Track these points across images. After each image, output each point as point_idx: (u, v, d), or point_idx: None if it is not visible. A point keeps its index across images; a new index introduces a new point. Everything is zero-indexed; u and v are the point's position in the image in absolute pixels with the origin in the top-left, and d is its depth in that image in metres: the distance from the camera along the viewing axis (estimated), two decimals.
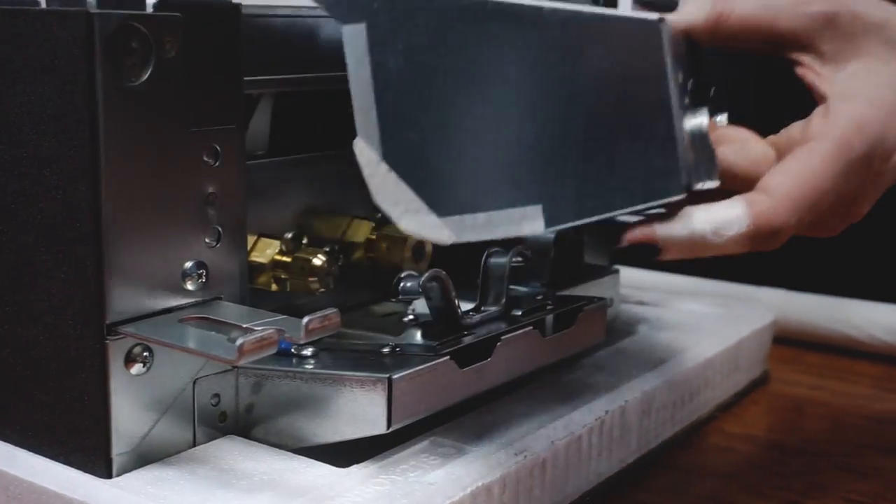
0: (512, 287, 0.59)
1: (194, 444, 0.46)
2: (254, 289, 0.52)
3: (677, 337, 0.62)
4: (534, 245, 0.60)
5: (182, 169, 0.44)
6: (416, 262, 0.56)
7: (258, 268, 0.52)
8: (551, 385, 0.54)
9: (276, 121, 0.59)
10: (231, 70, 0.46)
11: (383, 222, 0.58)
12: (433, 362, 0.45)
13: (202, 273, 0.45)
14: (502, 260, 0.53)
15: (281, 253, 0.52)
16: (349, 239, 0.57)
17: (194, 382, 0.46)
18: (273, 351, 0.40)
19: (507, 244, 0.61)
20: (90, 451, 0.43)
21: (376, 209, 0.58)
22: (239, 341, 0.39)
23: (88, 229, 0.41)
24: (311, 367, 0.46)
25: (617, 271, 0.64)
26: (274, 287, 0.52)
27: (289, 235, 0.54)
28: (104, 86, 0.41)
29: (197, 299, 0.45)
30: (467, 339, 0.48)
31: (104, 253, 0.42)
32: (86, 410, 0.43)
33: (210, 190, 0.45)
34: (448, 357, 0.46)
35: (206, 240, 0.46)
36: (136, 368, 0.43)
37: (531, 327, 0.51)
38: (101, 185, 0.41)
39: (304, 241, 0.55)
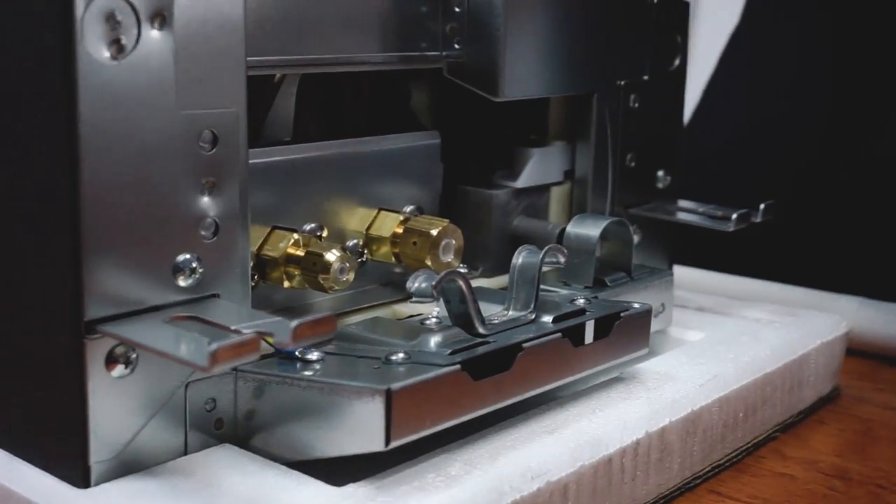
0: (551, 289, 0.54)
1: (186, 453, 0.43)
2: (270, 286, 0.48)
3: (735, 348, 0.57)
4: (576, 243, 0.55)
5: (172, 155, 0.40)
6: (444, 259, 0.52)
7: (271, 262, 0.48)
8: (582, 399, 0.49)
9: (302, 104, 0.55)
10: (232, 48, 0.42)
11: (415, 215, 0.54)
12: (441, 372, 0.41)
13: (195, 268, 0.42)
14: (533, 259, 0.48)
15: (295, 246, 0.48)
16: (374, 233, 0.53)
17: (186, 386, 0.42)
18: (252, 357, 0.36)
19: (541, 242, 0.57)
20: (67, 458, 0.40)
21: (407, 200, 0.56)
22: (212, 346, 0.35)
23: (65, 219, 0.38)
24: (310, 373, 0.42)
25: (670, 274, 0.59)
26: (286, 284, 0.49)
27: (307, 227, 0.51)
28: (83, 62, 0.37)
29: (190, 297, 0.42)
30: (485, 348, 0.43)
31: (82, 245, 0.38)
32: (62, 414, 0.40)
33: (206, 179, 0.42)
34: (459, 367, 0.42)
35: (202, 232, 0.42)
36: (119, 370, 0.40)
37: (560, 335, 0.46)
38: (78, 171, 0.38)
39: (324, 234, 0.51)
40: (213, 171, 0.42)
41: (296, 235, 0.48)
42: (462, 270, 0.57)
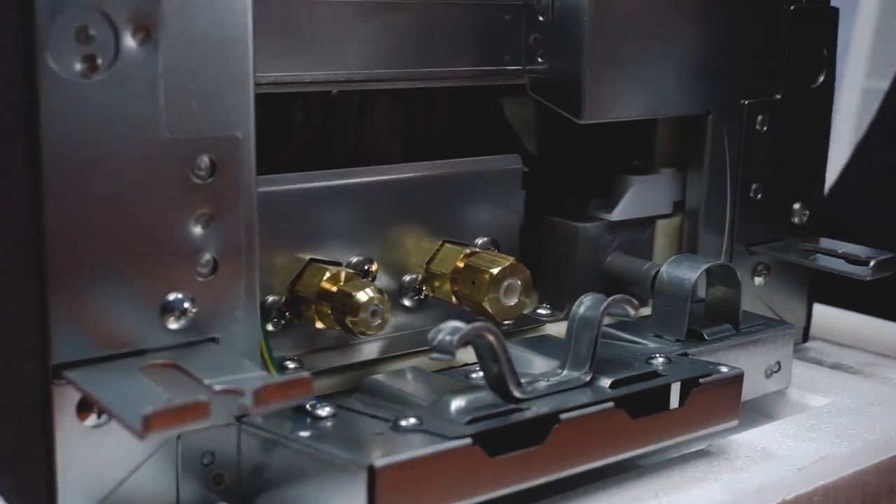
0: (637, 341, 0.47)
1: None
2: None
3: (861, 421, 0.48)
4: (669, 288, 0.48)
5: (157, 183, 0.36)
6: (507, 302, 0.46)
7: (302, 300, 0.44)
8: (648, 477, 0.42)
9: (373, 124, 0.51)
10: (236, 65, 0.37)
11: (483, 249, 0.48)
12: (444, 447, 0.35)
13: (188, 309, 0.37)
14: (593, 313, 0.41)
15: (330, 282, 0.43)
16: (435, 268, 0.47)
17: (178, 437, 0.38)
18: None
19: (634, 283, 0.49)
20: None
21: (480, 232, 0.50)
22: (147, 410, 0.31)
23: (29, 253, 0.35)
24: (306, 434, 0.37)
25: (790, 327, 0.50)
26: (319, 325, 0.44)
27: (353, 260, 0.46)
28: (47, 80, 0.33)
29: (182, 340, 0.38)
30: (507, 419, 0.37)
31: (48, 282, 0.35)
32: (30, 463, 0.37)
33: (201, 210, 0.37)
34: (470, 441, 0.36)
35: (197, 269, 0.38)
36: (92, 420, 0.36)
37: (612, 405, 0.39)
38: (41, 200, 0.34)
39: (372, 268, 0.46)
40: (211, 202, 0.37)
41: (333, 270, 0.44)
42: (542, 311, 0.51)
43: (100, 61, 0.34)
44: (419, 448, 0.35)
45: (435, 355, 0.38)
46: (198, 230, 0.37)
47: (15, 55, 0.34)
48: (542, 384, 0.40)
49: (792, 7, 0.53)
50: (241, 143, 0.38)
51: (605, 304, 0.41)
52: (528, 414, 0.38)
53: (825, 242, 0.56)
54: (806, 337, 0.59)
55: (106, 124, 0.35)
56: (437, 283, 0.47)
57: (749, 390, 0.49)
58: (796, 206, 0.56)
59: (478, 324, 0.38)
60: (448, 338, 0.37)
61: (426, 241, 0.48)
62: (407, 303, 0.47)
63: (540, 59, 0.48)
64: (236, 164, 0.38)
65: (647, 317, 0.49)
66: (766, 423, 0.48)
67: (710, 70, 0.51)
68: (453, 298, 0.47)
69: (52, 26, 0.33)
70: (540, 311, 0.51)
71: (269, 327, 0.44)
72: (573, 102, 0.48)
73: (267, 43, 0.42)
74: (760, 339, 0.49)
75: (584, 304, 0.42)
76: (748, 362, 0.48)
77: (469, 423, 0.37)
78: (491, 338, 0.38)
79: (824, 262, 0.54)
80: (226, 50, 0.37)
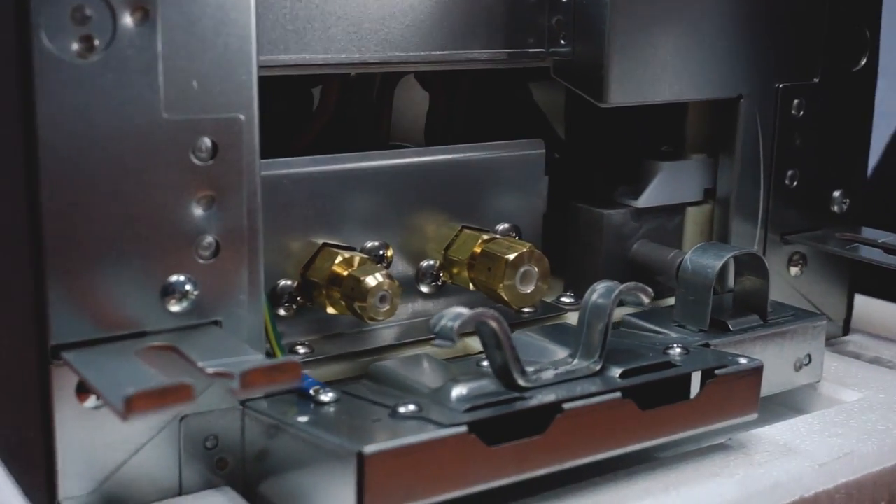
0: (658, 331, 0.46)
1: (181, 493, 0.39)
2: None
3: (893, 416, 0.46)
4: (693, 277, 0.46)
5: (157, 165, 0.36)
6: (523, 290, 0.45)
7: (313, 284, 0.43)
8: (660, 471, 0.41)
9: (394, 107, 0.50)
10: (238, 46, 0.37)
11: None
12: (439, 434, 0.34)
13: (189, 292, 0.37)
14: (605, 301, 0.40)
15: (343, 266, 0.43)
16: (453, 255, 0.47)
17: (181, 420, 0.38)
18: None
19: (659, 272, 0.48)
20: (36, 491, 0.37)
21: (501, 218, 0.49)
22: (128, 391, 0.30)
23: (27, 234, 0.35)
24: (304, 419, 0.37)
25: (822, 318, 0.49)
26: (330, 310, 0.43)
27: (368, 245, 0.45)
28: (42, 61, 0.33)
29: (184, 323, 0.37)
30: (507, 407, 0.36)
31: (46, 262, 0.35)
32: (30, 444, 0.37)
33: (203, 192, 0.37)
34: (466, 429, 0.35)
35: (199, 252, 0.37)
36: (92, 401, 0.36)
37: (620, 395, 0.38)
38: (38, 181, 0.34)
39: (389, 252, 0.45)
40: (212, 184, 0.37)
41: (346, 255, 0.43)
42: (566, 299, 0.50)
43: (97, 42, 0.34)
44: (412, 435, 0.34)
45: (437, 341, 0.37)
46: (199, 212, 0.37)
47: (9, 36, 0.34)
48: (549, 373, 0.39)
49: None
50: (244, 124, 0.37)
51: (616, 291, 0.40)
52: (530, 403, 0.37)
53: (867, 232, 0.54)
54: (847, 329, 0.57)
55: (103, 105, 0.35)
56: (455, 270, 0.47)
57: (776, 383, 0.47)
58: (836, 193, 0.54)
59: (480, 310, 0.37)
60: (450, 324, 0.37)
61: (445, 227, 0.47)
62: (424, 289, 0.47)
63: (563, 42, 0.47)
64: (238, 147, 0.37)
65: (672, 306, 0.48)
66: (794, 418, 0.47)
67: (742, 52, 0.49)
68: (471, 285, 0.46)
69: (46, 6, 0.33)
70: (564, 299, 0.50)
71: (281, 312, 0.43)
72: (595, 86, 0.46)
73: (283, 24, 0.41)
74: (789, 332, 0.47)
75: (597, 292, 0.41)
76: (775, 355, 0.47)
77: (467, 410, 0.36)
78: (494, 325, 0.37)
79: (863, 252, 0.52)
80: (227, 31, 0.37)
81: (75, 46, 0.34)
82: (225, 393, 0.38)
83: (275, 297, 0.43)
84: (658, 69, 0.47)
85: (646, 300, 0.41)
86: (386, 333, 0.45)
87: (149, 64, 0.35)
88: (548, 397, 0.37)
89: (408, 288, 0.46)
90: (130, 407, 0.30)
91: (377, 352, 0.44)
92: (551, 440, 0.37)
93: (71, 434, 0.36)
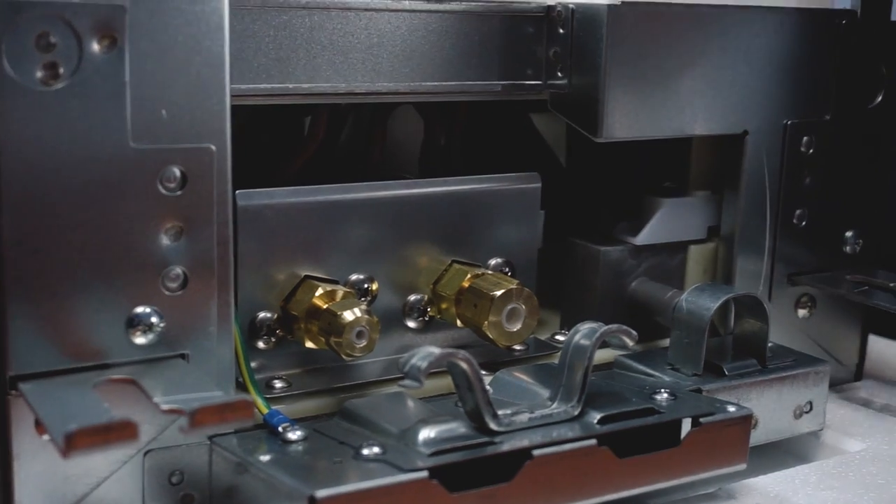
0: (650, 374, 0.45)
1: None
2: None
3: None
4: (688, 318, 0.45)
5: (122, 194, 0.35)
6: (510, 328, 0.44)
7: (292, 317, 0.42)
8: None
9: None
10: (210, 75, 0.36)
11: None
12: (397, 479, 0.33)
13: (154, 324, 0.37)
14: (586, 342, 0.39)
15: (322, 299, 0.42)
16: (440, 290, 0.46)
17: (144, 454, 0.37)
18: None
19: (656, 311, 0.47)
20: None
21: (494, 253, 0.47)
22: (70, 428, 0.30)
23: None
24: (266, 458, 0.36)
25: (824, 364, 0.47)
26: (309, 344, 0.42)
27: (352, 278, 0.44)
28: (4, 90, 0.33)
29: (149, 356, 0.37)
30: (474, 452, 0.35)
31: (4, 291, 0.34)
32: None
33: (171, 223, 0.36)
34: (427, 474, 0.34)
35: (167, 284, 0.37)
36: None
37: (595, 442, 0.37)
38: None
39: (374, 286, 0.44)
40: (181, 215, 0.36)
41: (327, 287, 0.42)
42: (561, 337, 0.49)
43: (62, 69, 0.34)
44: (368, 479, 0.33)
45: (405, 381, 0.36)
46: (166, 243, 0.36)
47: None
48: (524, 416, 0.37)
49: (843, 21, 0.50)
50: (215, 154, 0.37)
51: (598, 333, 0.39)
52: (499, 448, 0.36)
53: (881, 275, 0.52)
54: (859, 375, 0.55)
55: (68, 133, 0.34)
56: (443, 305, 0.46)
57: (774, 431, 0.46)
58: (848, 234, 0.53)
59: (450, 350, 0.36)
60: (419, 363, 0.36)
61: (436, 261, 0.46)
62: (411, 324, 0.46)
63: (559, 74, 0.46)
64: (209, 177, 0.37)
65: (667, 348, 0.46)
66: (795, 466, 0.45)
67: (747, 87, 0.48)
68: (458, 321, 0.45)
69: (8, 33, 0.33)
70: (559, 336, 0.49)
71: (261, 344, 0.43)
72: (591, 120, 0.45)
73: (266, 52, 0.41)
74: (789, 377, 0.46)
75: (580, 333, 0.40)
76: (773, 401, 0.45)
77: (433, 454, 0.35)
78: (465, 366, 0.36)
79: (873, 296, 0.50)
80: (199, 59, 0.36)
81: (39, 73, 0.34)
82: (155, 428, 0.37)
83: (254, 330, 0.42)
84: (657, 104, 0.46)
85: (629, 343, 0.40)
86: (369, 369, 0.44)
87: (116, 92, 0.35)
88: (519, 442, 0.36)
89: (394, 322, 0.45)
90: (71, 444, 0.30)
91: (358, 388, 0.43)
92: (519, 488, 0.35)
93: (29, 466, 0.36)
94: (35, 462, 0.36)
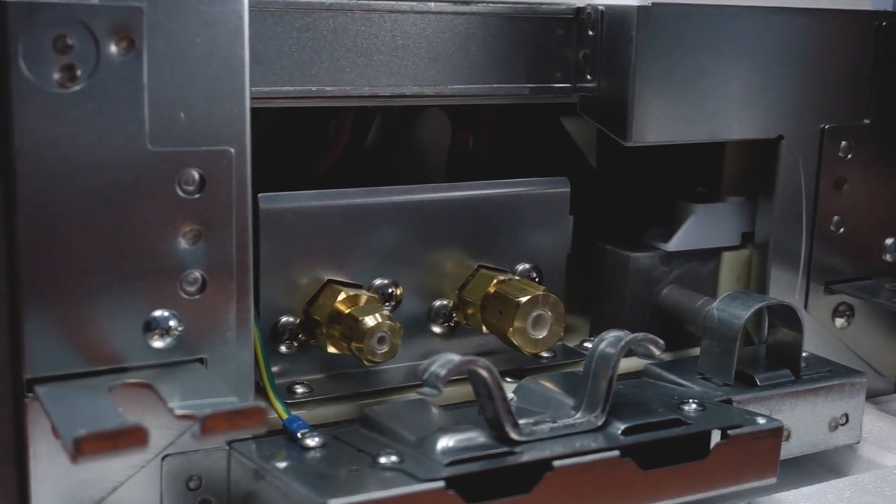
0: (681, 384, 0.44)
1: None
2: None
3: None
4: (719, 327, 0.44)
5: (140, 198, 0.35)
6: (536, 335, 0.43)
7: (314, 322, 0.42)
8: None
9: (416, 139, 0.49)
10: (229, 77, 0.36)
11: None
12: (411, 490, 0.33)
13: (172, 328, 0.36)
14: (611, 349, 0.38)
15: (345, 304, 0.41)
16: (466, 295, 0.45)
17: (162, 459, 0.37)
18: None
19: (687, 320, 0.46)
20: None
21: (521, 258, 0.47)
22: (79, 433, 0.29)
23: (3, 265, 0.34)
24: (283, 465, 0.35)
25: (861, 375, 0.45)
26: (331, 349, 0.42)
27: (376, 283, 0.44)
28: (20, 89, 0.33)
29: (167, 360, 0.36)
30: (492, 462, 0.34)
31: (22, 293, 0.34)
32: (4, 480, 0.36)
33: (189, 226, 0.36)
34: (443, 485, 0.33)
35: (186, 287, 0.36)
36: None
37: (618, 454, 0.36)
38: (15, 211, 0.34)
39: (398, 291, 0.44)
40: (199, 218, 0.36)
41: (350, 292, 0.42)
42: (590, 344, 0.48)
43: (79, 71, 0.34)
44: (383, 489, 0.32)
45: (424, 389, 0.35)
46: (185, 246, 0.36)
47: None
48: (545, 426, 0.37)
49: (884, 23, 0.49)
50: (234, 157, 0.36)
51: (624, 342, 0.38)
52: (519, 459, 0.35)
53: None
54: None
55: (85, 136, 0.34)
56: (469, 311, 0.45)
57: (808, 443, 0.44)
58: (889, 241, 0.51)
59: (469, 357, 0.35)
60: (438, 371, 0.35)
61: (462, 266, 0.45)
62: (436, 329, 0.45)
63: (589, 77, 0.45)
64: (228, 180, 0.36)
65: (697, 357, 0.45)
66: (830, 480, 0.44)
67: (782, 91, 0.47)
68: (483, 328, 0.45)
69: (26, 35, 0.33)
70: (587, 344, 0.48)
71: (283, 349, 0.42)
72: (620, 123, 0.44)
73: (289, 55, 0.40)
74: (824, 388, 0.44)
75: (605, 341, 0.39)
76: (807, 413, 0.44)
77: (450, 464, 0.34)
78: (485, 374, 0.36)
79: None
80: (218, 62, 0.36)
81: (56, 76, 0.33)
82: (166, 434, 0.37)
83: (276, 334, 0.42)
84: (689, 107, 0.45)
85: (656, 352, 0.39)
86: (392, 375, 0.44)
87: (133, 94, 0.34)
88: (539, 453, 0.35)
89: (419, 328, 0.45)
90: (80, 449, 0.29)
91: (381, 394, 0.43)
92: (538, 500, 0.34)
93: (46, 469, 0.35)
94: (52, 465, 0.35)
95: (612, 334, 0.39)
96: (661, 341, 0.39)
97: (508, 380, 0.45)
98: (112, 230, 0.35)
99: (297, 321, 0.42)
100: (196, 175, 0.36)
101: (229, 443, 0.38)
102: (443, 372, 0.35)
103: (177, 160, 0.36)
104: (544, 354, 0.46)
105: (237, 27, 0.36)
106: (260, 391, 0.40)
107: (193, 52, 0.35)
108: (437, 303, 0.45)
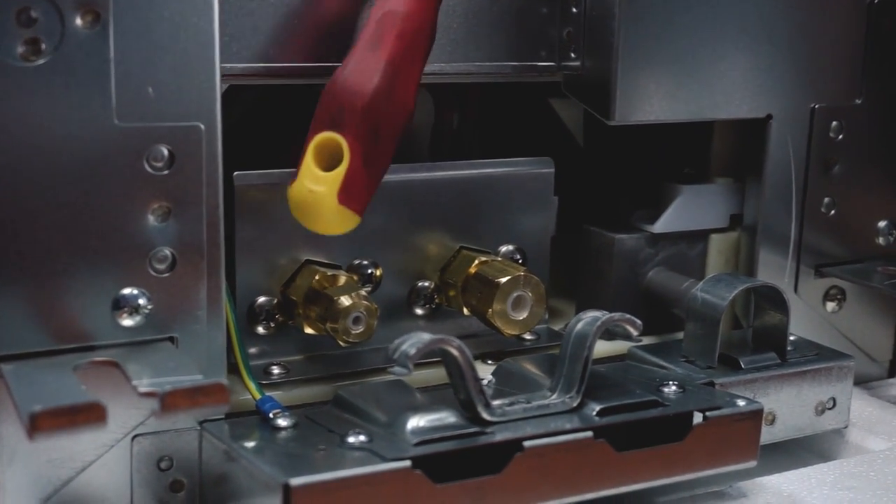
0: (664, 366, 0.43)
1: None
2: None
3: None
4: (703, 309, 0.43)
5: (107, 174, 0.35)
6: (516, 316, 0.42)
7: (290, 303, 0.42)
8: None
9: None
10: (199, 52, 0.35)
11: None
12: (378, 469, 0.32)
13: (141, 306, 0.36)
14: (587, 329, 0.37)
15: (321, 284, 0.41)
16: (448, 277, 0.44)
17: (132, 439, 0.37)
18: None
19: (672, 302, 0.45)
20: None
21: (505, 239, 0.46)
22: (34, 409, 0.29)
23: None
24: (251, 444, 0.35)
25: (850, 359, 0.45)
26: (308, 330, 0.41)
27: (355, 263, 0.43)
28: None
29: (134, 338, 0.36)
30: (462, 442, 0.34)
31: None
32: None
33: (158, 203, 0.36)
34: (409, 464, 0.33)
35: (155, 265, 0.36)
36: None
37: (591, 434, 0.35)
38: None
39: (378, 272, 0.43)
40: (168, 195, 0.36)
41: (327, 272, 0.41)
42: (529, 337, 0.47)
43: (44, 45, 0.33)
44: (348, 468, 0.32)
45: (394, 369, 0.35)
46: (154, 223, 0.36)
47: None
48: (519, 407, 0.36)
49: (876, 1, 0.48)
50: (204, 133, 0.36)
51: (600, 322, 0.37)
52: (490, 439, 0.34)
53: None
54: (893, 371, 0.53)
55: (51, 110, 0.34)
56: (450, 293, 0.44)
57: (793, 427, 0.44)
58: (882, 224, 0.50)
59: (440, 336, 0.35)
60: (408, 350, 0.35)
61: (444, 247, 0.45)
62: (418, 311, 0.45)
63: (573, 55, 0.45)
64: (197, 156, 0.36)
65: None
66: (816, 464, 0.43)
67: (771, 69, 0.46)
68: (465, 309, 0.44)
69: None
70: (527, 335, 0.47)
71: (260, 329, 0.42)
72: (602, 102, 0.44)
73: (276, 31, 0.40)
74: (810, 372, 0.44)
75: (582, 321, 0.38)
76: (793, 396, 0.43)
77: (418, 444, 0.34)
78: (455, 353, 0.35)
79: None
80: (187, 36, 0.35)
81: (20, 49, 0.33)
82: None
83: (253, 315, 0.42)
84: (674, 86, 0.44)
85: (634, 333, 0.38)
86: (371, 356, 0.43)
87: (100, 69, 0.34)
88: (510, 433, 0.35)
89: (401, 309, 0.44)
90: (36, 425, 0.29)
91: (359, 375, 0.42)
92: (509, 480, 0.34)
93: (13, 449, 0.35)
94: (19, 445, 0.35)
95: (589, 314, 0.38)
96: (639, 322, 0.38)
97: (490, 362, 0.44)
98: (79, 207, 0.34)
99: (275, 302, 0.42)
100: (165, 151, 0.35)
101: (201, 423, 0.38)
102: (412, 351, 0.34)
103: (145, 136, 0.35)
104: (527, 337, 0.45)
105: (206, 1, 0.35)
106: (234, 371, 0.39)
107: (161, 25, 0.35)
108: (419, 284, 0.44)
